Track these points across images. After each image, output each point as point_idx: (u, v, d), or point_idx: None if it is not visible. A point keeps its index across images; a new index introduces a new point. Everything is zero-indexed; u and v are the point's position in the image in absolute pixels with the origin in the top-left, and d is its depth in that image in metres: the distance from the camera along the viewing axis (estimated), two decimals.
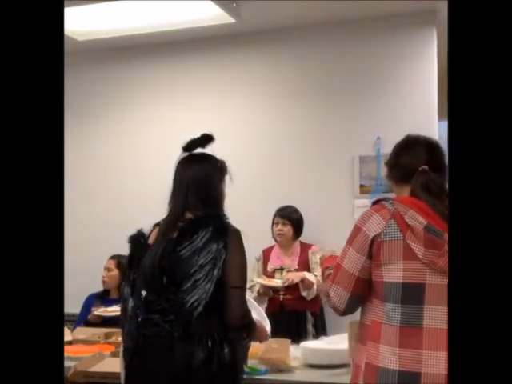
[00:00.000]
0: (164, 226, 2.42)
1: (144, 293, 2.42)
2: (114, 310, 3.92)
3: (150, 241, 2.43)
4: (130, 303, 2.39)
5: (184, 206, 2.39)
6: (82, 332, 3.65)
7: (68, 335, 3.48)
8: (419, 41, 4.45)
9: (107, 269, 4.24)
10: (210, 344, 2.21)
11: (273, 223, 4.41)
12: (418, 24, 4.44)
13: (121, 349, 2.45)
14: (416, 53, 4.47)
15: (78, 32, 4.56)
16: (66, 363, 2.76)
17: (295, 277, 4.13)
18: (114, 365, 2.83)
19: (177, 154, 5.17)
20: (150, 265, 2.33)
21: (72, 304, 4.44)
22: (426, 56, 4.44)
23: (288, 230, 4.34)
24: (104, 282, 4.24)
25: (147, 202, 4.92)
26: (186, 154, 2.52)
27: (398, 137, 4.63)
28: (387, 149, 4.46)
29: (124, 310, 2.41)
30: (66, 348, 3.11)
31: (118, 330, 3.58)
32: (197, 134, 2.53)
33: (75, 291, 4.18)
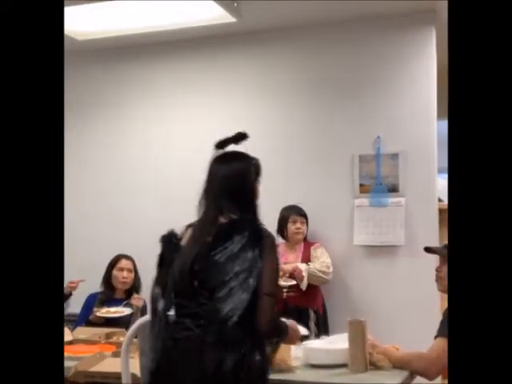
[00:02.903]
0: (197, 229, 2.35)
1: (172, 294, 2.35)
2: (117, 311, 3.91)
3: (183, 242, 2.37)
4: (161, 304, 2.33)
5: (218, 209, 2.33)
6: (83, 332, 3.64)
7: (68, 335, 3.48)
8: (419, 40, 4.45)
9: (127, 269, 4.21)
10: (242, 351, 2.16)
11: (287, 222, 4.39)
12: (417, 24, 4.44)
13: (143, 346, 2.39)
14: (416, 52, 4.47)
15: (78, 32, 4.56)
16: (67, 363, 2.75)
17: (289, 267, 4.17)
18: (115, 365, 2.82)
19: (176, 152, 5.20)
20: (182, 267, 2.28)
21: (72, 304, 4.45)
22: (425, 55, 4.44)
23: (305, 228, 4.38)
24: (125, 282, 4.19)
25: (147, 202, 4.95)
26: (219, 151, 2.44)
27: (398, 136, 4.68)
28: (387, 148, 4.51)
29: (154, 311, 2.35)
30: (67, 348, 3.11)
31: (119, 330, 3.59)
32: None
33: (77, 291, 4.18)
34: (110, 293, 4.21)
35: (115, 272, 4.21)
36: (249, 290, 2.16)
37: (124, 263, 4.24)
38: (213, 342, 2.16)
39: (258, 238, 2.23)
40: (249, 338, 2.19)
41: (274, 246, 2.28)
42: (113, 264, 4.26)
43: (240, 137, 2.45)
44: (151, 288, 2.40)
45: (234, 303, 2.15)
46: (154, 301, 2.36)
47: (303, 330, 2.66)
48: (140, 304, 4.07)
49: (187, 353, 2.21)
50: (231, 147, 2.46)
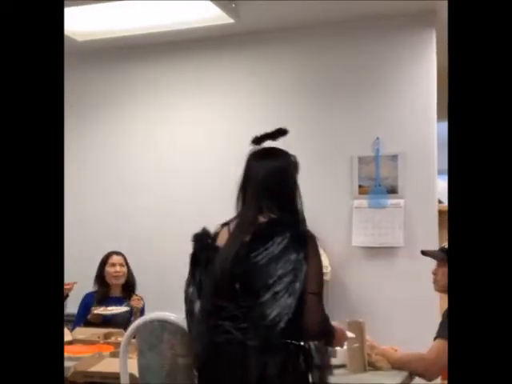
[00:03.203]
0: (235, 229, 2.25)
1: (209, 295, 2.25)
2: (114, 309, 3.92)
3: (219, 242, 2.28)
4: (197, 306, 2.24)
5: (257, 208, 2.24)
6: (82, 332, 3.64)
7: (67, 335, 3.48)
8: (419, 41, 4.45)
9: (119, 264, 4.23)
10: (285, 354, 2.09)
11: None
12: (417, 24, 4.43)
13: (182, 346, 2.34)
14: (416, 53, 4.46)
15: (78, 32, 4.56)
16: (66, 363, 2.75)
17: None
18: (114, 365, 2.83)
19: (176, 152, 5.19)
20: (221, 268, 2.18)
21: (71, 304, 4.44)
22: (425, 56, 4.43)
23: None
24: (118, 277, 4.21)
25: (144, 201, 4.95)
26: (256, 147, 2.37)
27: (397, 137, 4.67)
28: (386, 149, 4.50)
29: (190, 312, 2.26)
30: (66, 348, 3.11)
31: (117, 330, 3.59)
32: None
33: (74, 291, 4.18)
34: (105, 290, 4.21)
35: (107, 268, 4.23)
36: (295, 295, 2.08)
37: (115, 259, 4.25)
38: (256, 345, 2.08)
39: (302, 239, 2.16)
40: (292, 339, 2.11)
41: (317, 246, 2.21)
42: (104, 261, 4.27)
43: (278, 133, 2.36)
44: (185, 288, 2.30)
45: (280, 308, 2.07)
46: (189, 302, 2.27)
47: (349, 333, 2.59)
48: (140, 305, 4.07)
49: (229, 357, 2.14)
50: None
